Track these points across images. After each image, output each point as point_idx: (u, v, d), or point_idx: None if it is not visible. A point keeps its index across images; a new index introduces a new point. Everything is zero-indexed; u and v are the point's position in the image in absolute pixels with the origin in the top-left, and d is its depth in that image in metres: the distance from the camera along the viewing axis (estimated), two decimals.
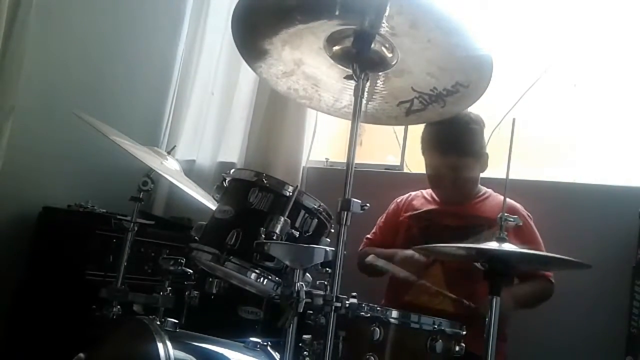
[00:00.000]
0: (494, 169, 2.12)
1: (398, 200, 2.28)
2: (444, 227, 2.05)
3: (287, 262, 1.29)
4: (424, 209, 2.16)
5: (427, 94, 1.47)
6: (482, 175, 2.15)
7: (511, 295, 1.82)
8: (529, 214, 2.04)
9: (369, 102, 1.55)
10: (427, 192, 2.23)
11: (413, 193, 2.27)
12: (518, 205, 2.02)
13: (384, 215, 2.29)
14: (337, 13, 1.31)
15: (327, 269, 1.29)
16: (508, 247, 1.33)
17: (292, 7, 1.34)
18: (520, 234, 1.88)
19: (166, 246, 2.56)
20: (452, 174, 2.06)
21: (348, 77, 1.38)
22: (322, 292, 1.22)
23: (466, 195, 2.12)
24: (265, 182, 1.51)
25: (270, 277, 1.46)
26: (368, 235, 2.28)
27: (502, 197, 2.00)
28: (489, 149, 2.15)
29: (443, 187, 2.12)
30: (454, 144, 2.01)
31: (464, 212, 2.06)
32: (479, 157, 2.08)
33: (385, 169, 2.90)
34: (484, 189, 2.15)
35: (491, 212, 1.98)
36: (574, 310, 2.19)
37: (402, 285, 2.03)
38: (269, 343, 1.63)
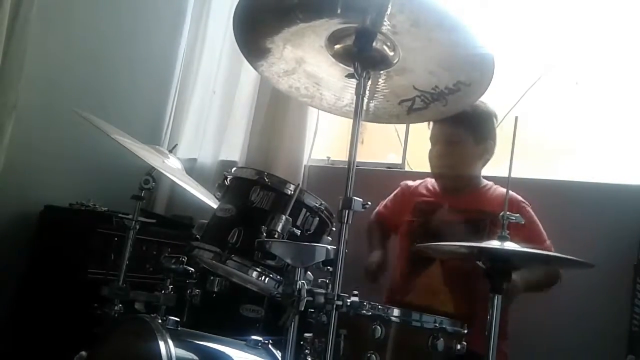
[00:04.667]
0: (496, 168, 2.12)
1: (404, 187, 2.26)
2: (444, 222, 2.04)
3: (289, 261, 1.29)
4: (426, 200, 2.14)
5: (429, 92, 1.47)
6: (484, 173, 2.14)
7: (520, 279, 1.80)
8: (527, 203, 2.01)
9: (371, 101, 1.54)
10: (432, 182, 2.20)
11: (420, 181, 2.24)
12: (516, 195, 1.99)
13: (392, 195, 2.28)
14: (338, 11, 1.31)
15: (329, 267, 1.29)
16: (510, 246, 1.33)
17: (294, 6, 1.34)
18: (520, 226, 1.87)
19: (168, 244, 2.57)
20: (450, 146, 2.05)
21: (349, 76, 1.38)
22: (323, 291, 1.22)
23: (461, 182, 2.09)
24: (266, 180, 1.51)
25: (271, 275, 1.46)
26: (380, 208, 2.27)
27: (502, 189, 2.02)
28: None
29: (440, 163, 2.09)
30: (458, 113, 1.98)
31: (464, 205, 2.05)
32: (480, 138, 2.05)
33: (387, 167, 2.90)
34: (485, 181, 2.13)
35: (491, 205, 1.97)
36: (575, 308, 2.19)
37: (402, 284, 2.04)
38: (270, 341, 1.63)
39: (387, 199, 2.30)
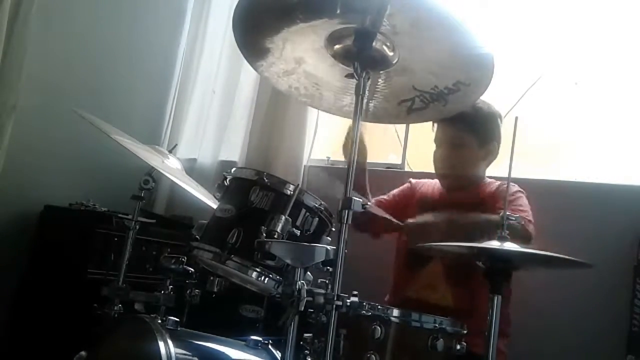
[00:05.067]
0: (495, 168, 2.12)
1: (413, 183, 2.27)
2: (445, 220, 2.04)
3: (288, 261, 1.29)
4: (429, 199, 2.16)
5: (429, 92, 1.47)
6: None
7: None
8: (522, 191, 2.00)
9: (370, 101, 1.54)
10: (435, 182, 2.22)
11: (427, 180, 2.26)
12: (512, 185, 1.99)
13: (399, 189, 2.28)
14: (338, 12, 1.31)
15: (328, 267, 1.29)
16: (509, 246, 1.33)
17: (294, 6, 1.34)
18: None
19: (167, 245, 2.56)
20: (454, 149, 2.06)
21: (349, 76, 1.38)
22: (323, 291, 1.22)
23: (467, 181, 2.10)
24: (266, 180, 1.51)
25: (271, 275, 1.46)
26: (380, 198, 2.26)
27: (503, 184, 2.02)
28: None
29: (444, 165, 2.10)
30: (458, 115, 1.98)
31: (466, 202, 2.05)
32: (484, 140, 2.06)
33: (387, 167, 2.90)
34: (488, 179, 2.14)
35: (489, 197, 1.98)
36: (575, 309, 2.19)
37: (405, 281, 2.05)
38: (270, 341, 1.63)
39: (391, 192, 2.29)
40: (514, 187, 1.99)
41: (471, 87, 1.44)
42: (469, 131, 2.02)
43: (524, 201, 1.96)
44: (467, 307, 1.83)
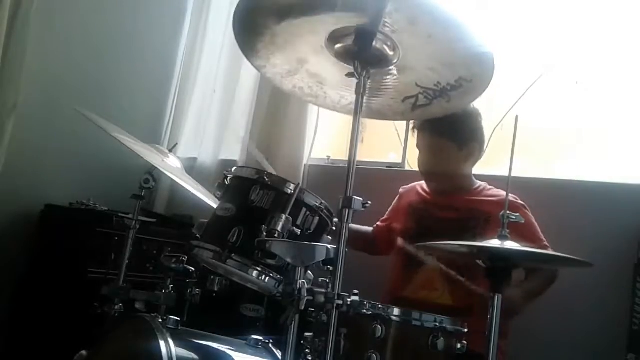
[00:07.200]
0: (496, 167, 2.12)
1: (401, 192, 2.31)
2: (437, 220, 2.06)
3: (289, 260, 1.29)
4: (419, 200, 2.18)
5: (432, 89, 1.47)
6: (484, 172, 2.15)
7: (521, 293, 1.82)
8: (524, 205, 2.02)
9: (375, 99, 1.54)
10: (423, 184, 2.24)
11: (415, 183, 2.29)
12: (512, 196, 2.00)
13: (392, 206, 2.32)
14: (337, 11, 1.31)
15: (329, 266, 1.29)
16: (510, 245, 1.33)
17: (293, 6, 1.34)
18: (518, 226, 1.88)
19: (168, 244, 2.56)
20: (434, 155, 2.09)
21: (349, 75, 1.38)
22: (323, 290, 1.22)
23: (451, 183, 2.11)
24: (266, 179, 1.51)
25: (271, 274, 1.46)
26: (378, 224, 2.32)
27: (496, 190, 2.04)
28: (491, 146, 2.14)
29: (426, 169, 2.14)
30: (430, 122, 2.02)
31: (457, 204, 2.07)
32: (462, 142, 2.07)
33: (387, 166, 2.90)
34: (478, 182, 2.15)
35: (484, 204, 1.99)
36: (575, 307, 2.19)
37: (401, 280, 2.05)
38: (271, 340, 1.63)
39: (388, 210, 2.33)
40: (517, 201, 2.00)
41: (473, 83, 1.43)
42: (447, 137, 2.06)
43: (537, 228, 1.98)
44: (464, 306, 1.84)
